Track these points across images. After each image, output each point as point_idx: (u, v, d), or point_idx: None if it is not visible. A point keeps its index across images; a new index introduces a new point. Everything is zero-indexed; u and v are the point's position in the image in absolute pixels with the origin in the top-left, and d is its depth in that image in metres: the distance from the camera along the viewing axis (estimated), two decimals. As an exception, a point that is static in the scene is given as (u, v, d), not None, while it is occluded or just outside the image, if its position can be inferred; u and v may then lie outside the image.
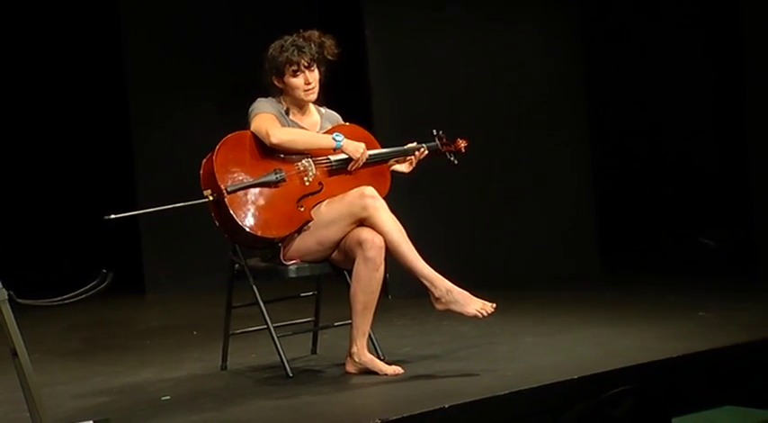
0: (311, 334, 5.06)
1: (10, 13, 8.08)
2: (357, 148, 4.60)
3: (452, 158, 4.90)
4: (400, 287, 6.29)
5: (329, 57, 4.64)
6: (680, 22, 8.12)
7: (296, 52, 4.58)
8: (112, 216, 4.35)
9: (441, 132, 4.89)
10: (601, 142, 7.59)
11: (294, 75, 4.60)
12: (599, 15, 8.11)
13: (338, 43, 4.66)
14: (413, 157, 4.77)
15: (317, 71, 4.62)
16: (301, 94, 4.62)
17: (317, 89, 4.63)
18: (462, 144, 4.92)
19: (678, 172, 8.19)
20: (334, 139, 4.59)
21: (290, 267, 4.55)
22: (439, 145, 4.88)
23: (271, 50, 4.63)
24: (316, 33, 4.64)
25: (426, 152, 4.81)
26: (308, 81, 4.60)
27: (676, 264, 7.31)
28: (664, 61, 8.18)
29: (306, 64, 4.59)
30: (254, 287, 4.61)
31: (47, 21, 8.28)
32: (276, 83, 4.64)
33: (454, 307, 4.38)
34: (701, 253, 7.51)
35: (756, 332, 4.77)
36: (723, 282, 6.39)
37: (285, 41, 4.63)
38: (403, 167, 4.79)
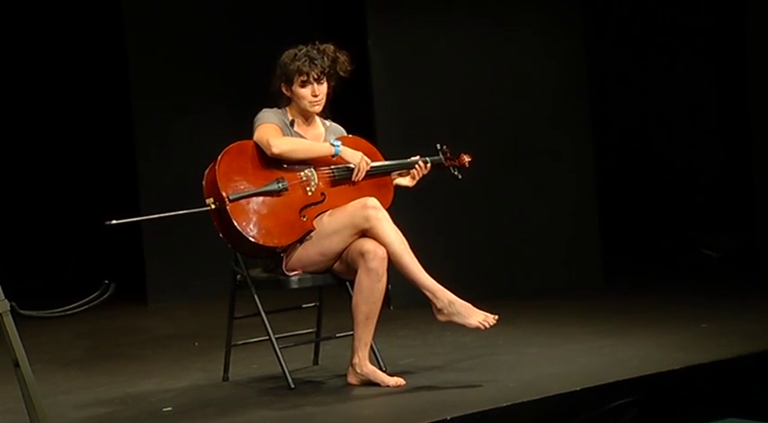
0: (313, 345, 5.06)
1: (15, 19, 8.10)
2: (355, 155, 4.60)
3: (456, 173, 4.89)
4: (402, 298, 6.29)
5: (342, 73, 4.63)
6: (683, 26, 8.12)
7: (307, 63, 4.56)
8: (114, 222, 4.36)
9: (445, 147, 4.88)
10: (603, 149, 7.59)
11: (302, 85, 4.58)
12: (601, 20, 8.12)
13: (352, 60, 4.65)
14: (416, 170, 4.76)
15: (325, 84, 4.61)
16: (307, 105, 4.61)
17: (323, 102, 4.63)
18: (466, 159, 4.91)
19: (681, 177, 8.19)
20: (332, 144, 4.59)
21: (292, 278, 4.54)
22: (443, 159, 4.87)
23: (283, 57, 4.62)
24: (331, 47, 4.63)
25: (430, 166, 4.79)
26: (315, 93, 4.59)
27: (679, 271, 7.30)
28: (667, 66, 8.18)
29: (315, 76, 4.58)
30: (256, 298, 4.60)
31: (50, 27, 8.30)
32: (284, 90, 4.63)
33: (456, 319, 4.37)
34: (704, 260, 7.51)
35: (759, 343, 4.76)
36: (726, 291, 6.39)
37: (299, 51, 4.61)
38: (406, 181, 4.78)
